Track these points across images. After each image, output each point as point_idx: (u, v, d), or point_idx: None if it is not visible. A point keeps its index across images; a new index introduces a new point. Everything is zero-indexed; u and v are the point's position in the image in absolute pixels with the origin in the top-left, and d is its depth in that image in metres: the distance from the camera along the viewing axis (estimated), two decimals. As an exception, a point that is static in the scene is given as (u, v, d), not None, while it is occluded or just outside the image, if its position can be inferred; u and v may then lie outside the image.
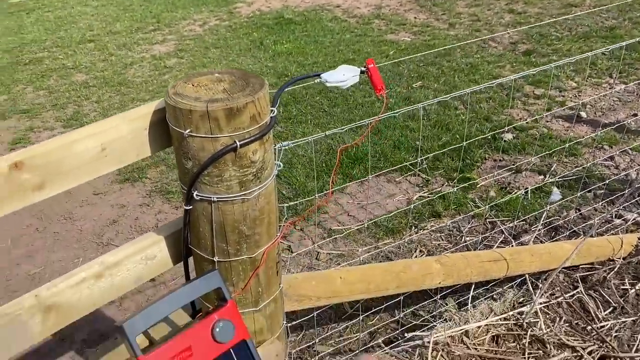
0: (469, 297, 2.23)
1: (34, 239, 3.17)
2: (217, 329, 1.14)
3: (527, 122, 4.12)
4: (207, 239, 1.25)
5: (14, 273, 2.92)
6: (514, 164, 3.59)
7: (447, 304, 2.31)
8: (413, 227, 3.05)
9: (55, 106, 4.87)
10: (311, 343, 2.24)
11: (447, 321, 2.16)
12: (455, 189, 3.29)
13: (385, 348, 2.09)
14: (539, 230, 2.80)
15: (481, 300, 2.28)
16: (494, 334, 2.09)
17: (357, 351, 2.10)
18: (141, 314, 1.07)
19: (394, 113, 1.57)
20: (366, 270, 1.69)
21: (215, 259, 1.27)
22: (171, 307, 1.10)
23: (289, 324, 1.64)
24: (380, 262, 2.78)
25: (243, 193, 1.17)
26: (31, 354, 2.38)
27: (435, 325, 2.15)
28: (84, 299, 1.27)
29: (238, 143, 1.09)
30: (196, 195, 1.17)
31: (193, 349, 1.11)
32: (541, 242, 2.74)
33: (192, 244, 1.32)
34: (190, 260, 1.39)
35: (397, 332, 2.18)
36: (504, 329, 2.12)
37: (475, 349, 2.04)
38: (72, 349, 2.47)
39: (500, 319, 2.15)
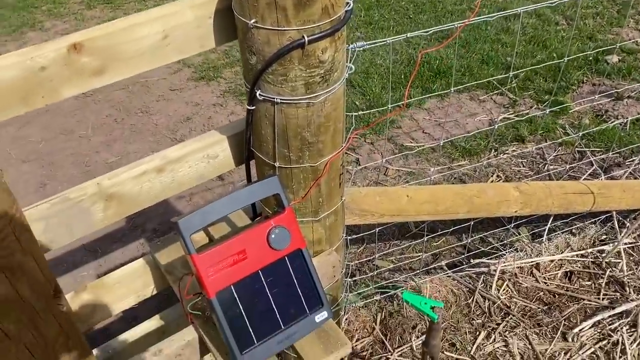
0: (545, 228, 2.09)
1: (112, 128, 3.27)
2: (273, 236, 1.10)
3: (638, 44, 3.66)
4: (269, 142, 1.18)
5: (93, 160, 3.05)
6: (615, 90, 3.24)
7: (519, 234, 2.18)
8: (493, 150, 2.86)
9: (138, -2, 4.86)
10: (371, 258, 2.21)
11: (517, 251, 2.04)
12: (547, 111, 3.03)
13: (448, 271, 2.02)
14: (636, 165, 2.54)
15: (558, 233, 2.13)
16: (567, 270, 1.96)
17: (418, 270, 2.05)
18: (197, 212, 1.04)
19: (488, 17, 1.38)
20: (436, 191, 1.59)
21: (276, 164, 1.21)
22: (228, 208, 1.06)
23: (349, 237, 1.59)
24: (453, 184, 2.65)
25: (308, 96, 1.08)
26: (104, 238, 2.52)
27: (505, 255, 2.04)
28: (144, 192, 1.26)
29: (306, 38, 0.98)
30: (259, 94, 1.09)
31: (247, 252, 1.08)
32: (635, 178, 2.49)
33: (254, 146, 1.26)
34: (253, 162, 1.34)
35: (463, 256, 2.09)
36: (579, 266, 1.98)
37: (545, 283, 1.93)
38: (143, 237, 2.58)
39: (577, 255, 2.00)
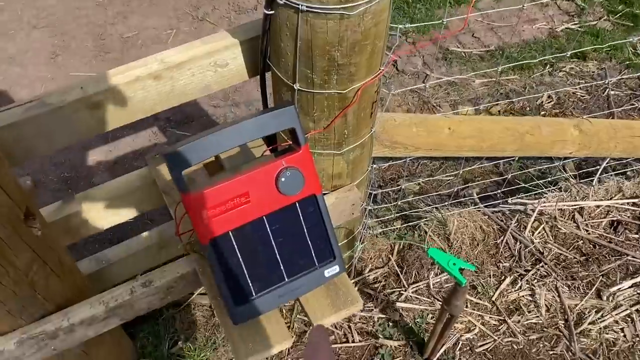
0: (598, 168, 1.84)
1: (130, -2, 2.98)
2: (283, 179, 0.90)
3: None
4: (289, 59, 0.95)
5: (108, 33, 2.80)
6: (703, 6, 2.79)
7: (566, 171, 1.94)
8: (548, 66, 2.53)
9: None
10: (396, 178, 2.03)
11: (561, 191, 1.83)
12: (627, 34, 2.63)
13: (479, 204, 1.83)
14: None
15: (610, 175, 1.89)
16: (614, 218, 1.75)
17: (446, 199, 1.86)
18: (192, 145, 0.85)
19: None
20: (483, 124, 1.35)
21: (296, 86, 0.98)
22: (231, 142, 0.86)
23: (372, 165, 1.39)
24: (498, 100, 2.38)
25: (343, 6, 0.82)
26: (114, 124, 2.36)
27: (546, 193, 1.83)
28: (138, 101, 1.06)
29: None
30: (280, -3, 0.84)
31: (251, 196, 0.90)
32: None
33: (270, 60, 1.03)
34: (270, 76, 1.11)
35: (499, 191, 1.88)
36: (629, 215, 1.76)
37: (587, 231, 1.73)
38: (156, 125, 2.42)
39: (628, 203, 1.78)
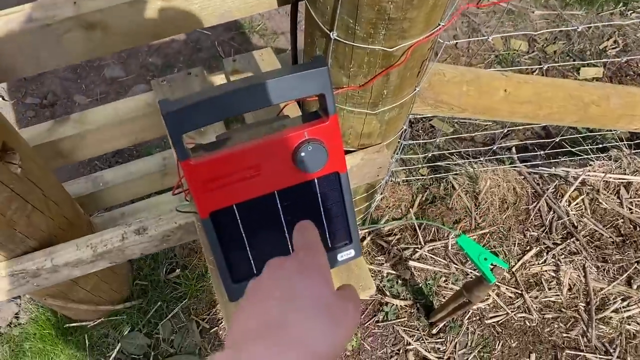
0: (655, 140, 1.65)
1: None
2: (303, 154, 0.75)
3: None
4: (329, 1, 0.76)
5: None
6: None
7: (618, 139, 1.74)
8: (621, 4, 2.22)
9: None
10: (430, 119, 1.84)
11: (610, 160, 1.64)
12: None
13: (518, 163, 1.66)
14: None
15: (668, 148, 1.69)
16: (663, 200, 1.59)
17: (481, 154, 1.68)
18: (198, 105, 0.68)
19: None
20: (543, 89, 1.15)
21: (333, 35, 0.79)
22: (243, 107, 0.70)
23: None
24: (557, 38, 2.11)
25: (409, -48, 0.62)
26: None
27: (593, 161, 1.65)
28: (143, 24, 0.89)
29: None
30: None
31: (263, 168, 0.75)
32: None
33: (306, -5, 0.83)
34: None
35: (543, 152, 1.70)
36: (679, 198, 1.60)
37: (629, 209, 1.57)
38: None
39: (681, 184, 1.61)
